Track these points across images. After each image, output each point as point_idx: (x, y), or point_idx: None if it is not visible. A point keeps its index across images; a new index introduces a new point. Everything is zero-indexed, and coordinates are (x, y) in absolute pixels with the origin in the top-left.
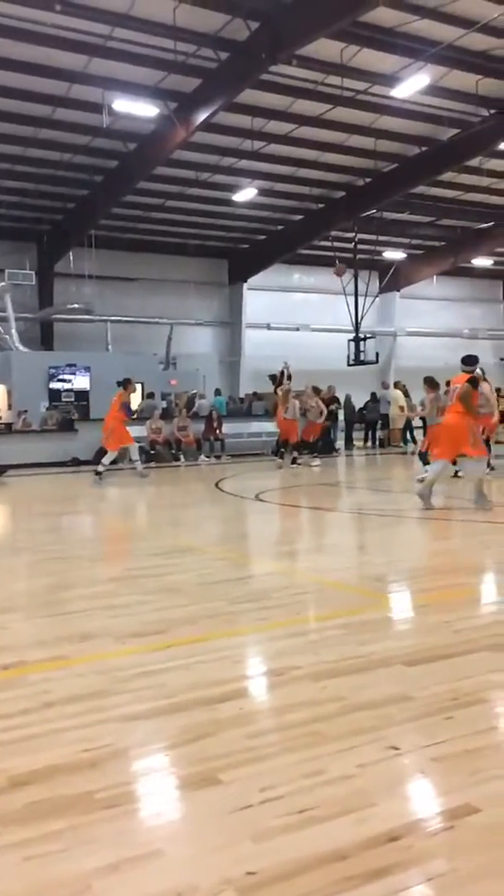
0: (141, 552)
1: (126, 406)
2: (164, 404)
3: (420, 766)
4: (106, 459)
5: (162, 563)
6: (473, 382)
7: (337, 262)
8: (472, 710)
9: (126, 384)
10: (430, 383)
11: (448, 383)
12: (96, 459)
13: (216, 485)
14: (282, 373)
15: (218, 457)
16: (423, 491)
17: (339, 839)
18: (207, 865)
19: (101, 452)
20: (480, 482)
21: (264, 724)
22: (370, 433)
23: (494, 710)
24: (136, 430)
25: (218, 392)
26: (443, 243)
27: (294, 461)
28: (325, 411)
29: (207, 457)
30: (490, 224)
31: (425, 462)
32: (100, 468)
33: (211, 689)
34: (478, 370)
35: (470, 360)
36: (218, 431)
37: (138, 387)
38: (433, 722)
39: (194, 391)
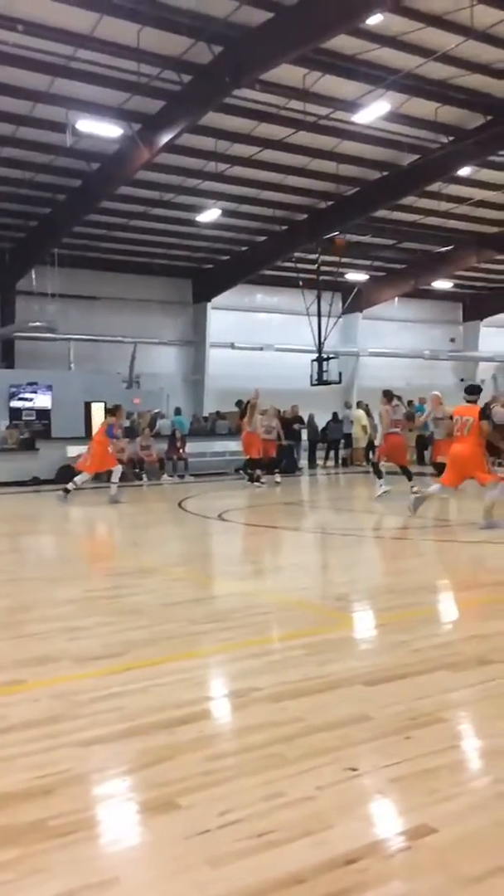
0: (102, 573)
1: (111, 430)
2: (127, 423)
3: (378, 786)
4: (79, 479)
5: (123, 584)
6: (485, 415)
7: (338, 234)
8: (430, 730)
9: (115, 411)
10: (387, 396)
11: (452, 414)
12: (61, 478)
13: (179, 504)
14: (248, 402)
15: (181, 476)
16: (416, 502)
17: (297, 862)
18: (165, 892)
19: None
20: (491, 505)
21: (224, 747)
22: (333, 452)
23: (452, 730)
24: None
25: (178, 411)
26: (404, 266)
27: (257, 479)
28: (280, 432)
29: (171, 476)
30: (449, 248)
31: (379, 475)
32: (70, 486)
33: (170, 711)
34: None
35: (473, 390)
36: (181, 451)
37: (101, 405)
38: (392, 742)
39: (156, 410)
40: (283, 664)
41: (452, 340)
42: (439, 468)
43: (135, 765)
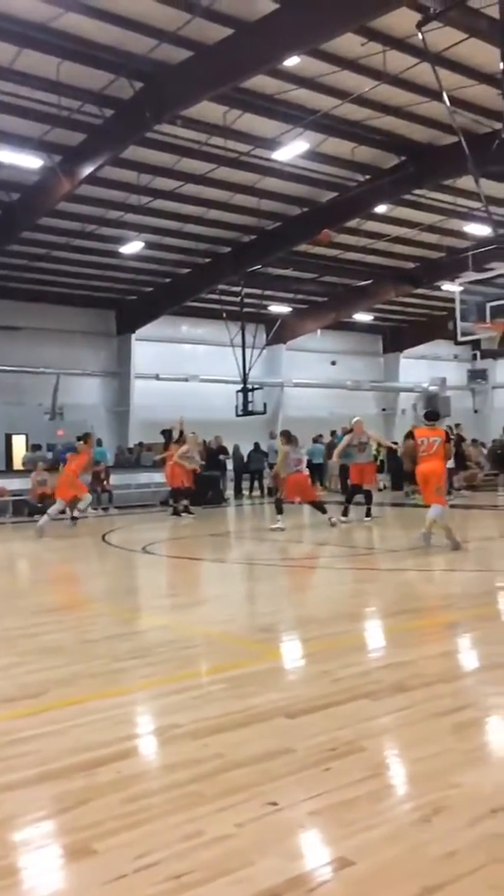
0: (19, 610)
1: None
2: (49, 455)
3: (298, 820)
4: (53, 510)
5: (41, 622)
6: (449, 438)
7: (324, 230)
8: (350, 760)
9: (86, 438)
10: (285, 436)
11: (412, 436)
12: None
13: (103, 537)
14: (171, 431)
15: (105, 508)
16: (425, 538)
17: None
18: None
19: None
20: (432, 522)
21: (142, 788)
22: (257, 482)
23: (371, 759)
24: (20, 483)
25: (99, 442)
26: (325, 299)
27: (186, 510)
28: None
29: (94, 509)
30: (368, 282)
31: (280, 510)
32: (76, 515)
33: (88, 753)
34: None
35: (432, 416)
36: (105, 483)
37: (23, 437)
38: (312, 774)
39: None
40: (205, 699)
41: (333, 363)
42: (354, 491)
43: (49, 810)
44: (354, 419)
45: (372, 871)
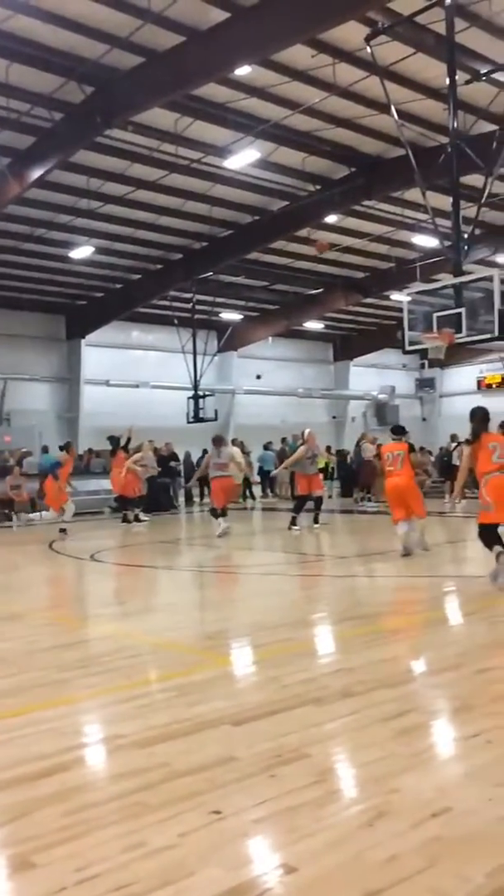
0: None
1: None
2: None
3: (242, 828)
4: (67, 515)
5: None
6: (413, 448)
7: (318, 241)
8: (295, 766)
9: (68, 447)
10: (215, 442)
11: (379, 448)
12: None
13: (50, 545)
14: (118, 438)
15: None
16: (411, 543)
17: None
18: None
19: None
20: (422, 534)
21: (85, 799)
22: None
23: (316, 765)
24: None
25: (45, 449)
26: (277, 307)
27: (137, 518)
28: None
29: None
30: (319, 291)
31: (215, 515)
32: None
33: (31, 764)
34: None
35: (398, 430)
36: None
37: None
38: (257, 781)
39: (25, 449)
40: (151, 708)
41: (259, 377)
42: (303, 500)
43: None
44: (307, 431)
45: (314, 878)
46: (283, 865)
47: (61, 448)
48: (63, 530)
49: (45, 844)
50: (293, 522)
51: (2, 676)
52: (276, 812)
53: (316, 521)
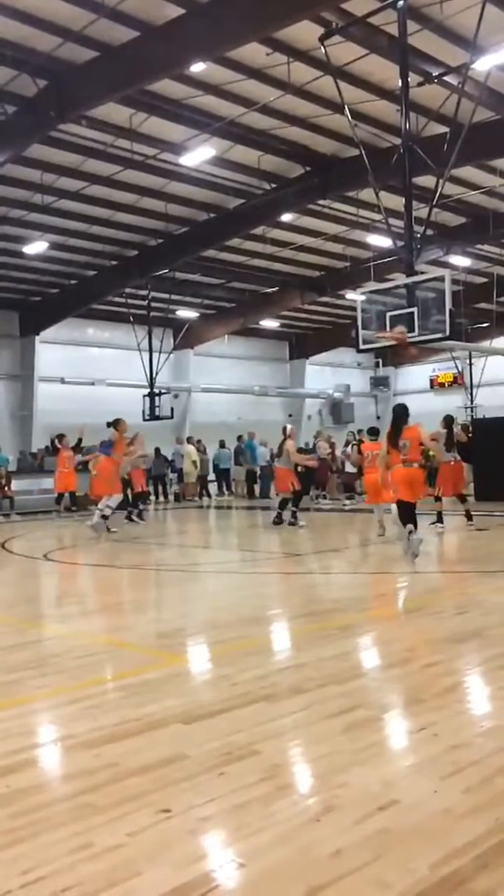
0: None
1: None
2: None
3: (189, 826)
4: (112, 502)
5: None
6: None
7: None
8: (244, 764)
9: (118, 424)
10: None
11: (360, 449)
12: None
13: (2, 545)
14: (62, 436)
15: (6, 515)
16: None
17: None
18: None
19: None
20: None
21: (32, 801)
22: (161, 488)
23: (265, 762)
24: None
25: None
26: (233, 305)
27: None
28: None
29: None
30: (275, 289)
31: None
32: (106, 512)
33: None
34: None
35: (375, 432)
36: (6, 488)
37: None
38: (206, 780)
39: None
40: (101, 708)
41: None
42: (299, 495)
43: None
44: (290, 427)
45: (261, 874)
46: (231, 862)
47: (109, 425)
48: (105, 517)
49: None
50: (294, 516)
51: None
52: (225, 809)
53: (282, 519)
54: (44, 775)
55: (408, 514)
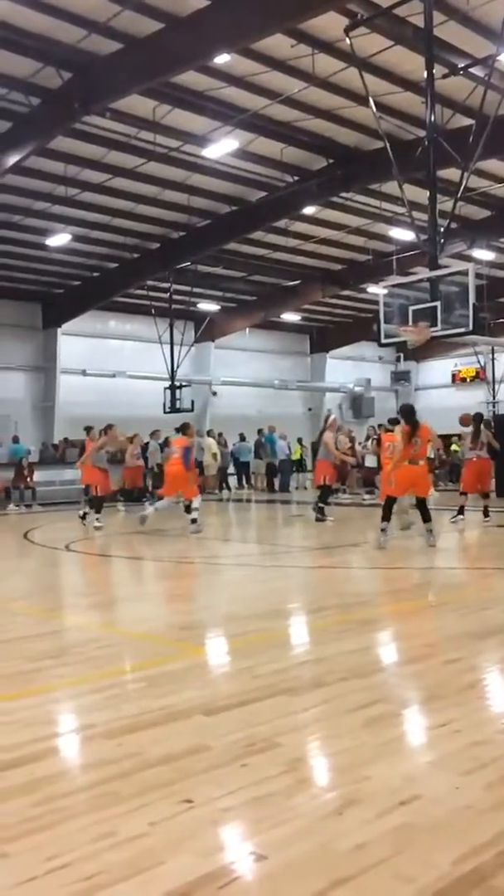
0: None
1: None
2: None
3: (211, 817)
4: (162, 505)
5: None
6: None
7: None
8: (265, 756)
9: (186, 429)
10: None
11: (380, 441)
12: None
13: (25, 535)
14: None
15: (28, 505)
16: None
17: None
18: None
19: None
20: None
21: (55, 789)
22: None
23: (286, 754)
24: None
25: (16, 440)
26: (254, 298)
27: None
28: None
29: (17, 506)
30: (296, 282)
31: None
32: (155, 506)
33: (1, 755)
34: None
35: (396, 422)
36: (29, 479)
37: None
38: (228, 771)
39: None
40: (122, 698)
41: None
42: (328, 490)
43: None
44: (332, 417)
45: (282, 866)
46: (252, 853)
47: (177, 430)
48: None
49: (14, 834)
50: (322, 513)
51: None
52: (246, 801)
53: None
54: (66, 764)
55: (388, 510)
